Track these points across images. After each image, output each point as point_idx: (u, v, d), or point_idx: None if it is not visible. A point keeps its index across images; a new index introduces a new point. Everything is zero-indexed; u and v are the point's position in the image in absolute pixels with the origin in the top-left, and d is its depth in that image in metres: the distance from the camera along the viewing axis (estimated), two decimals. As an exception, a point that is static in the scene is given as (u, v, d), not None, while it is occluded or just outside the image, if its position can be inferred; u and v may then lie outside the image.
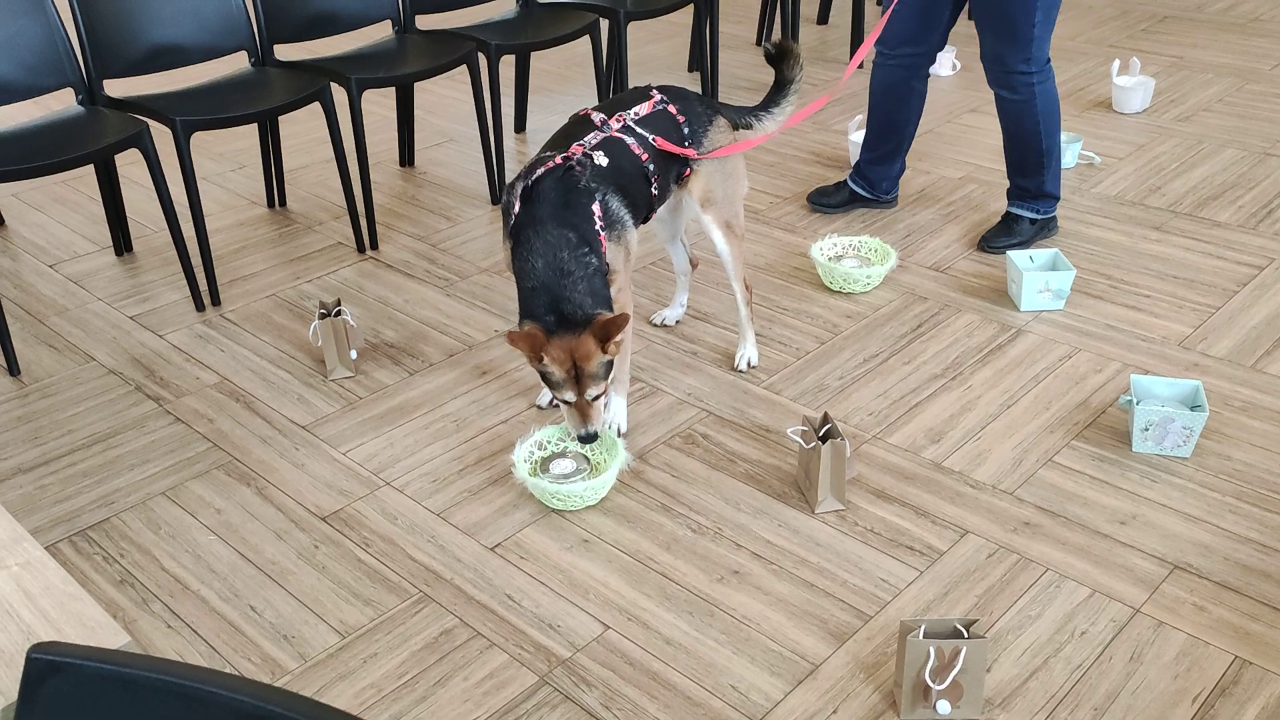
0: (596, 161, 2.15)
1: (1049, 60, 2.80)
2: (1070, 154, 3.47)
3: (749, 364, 2.53)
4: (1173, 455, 2.18)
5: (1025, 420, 2.32)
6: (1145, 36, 4.67)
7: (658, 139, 2.26)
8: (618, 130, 2.23)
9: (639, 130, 2.25)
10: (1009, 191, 3.02)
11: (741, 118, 2.49)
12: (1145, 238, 3.03)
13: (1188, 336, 2.58)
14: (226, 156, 3.70)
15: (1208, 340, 2.56)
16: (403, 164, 3.67)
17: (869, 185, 3.23)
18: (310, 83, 2.91)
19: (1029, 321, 2.67)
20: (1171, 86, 4.09)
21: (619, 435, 2.30)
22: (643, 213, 2.29)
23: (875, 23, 5.08)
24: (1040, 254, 2.75)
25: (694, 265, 2.71)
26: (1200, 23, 4.81)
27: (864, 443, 2.28)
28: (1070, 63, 4.38)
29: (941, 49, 3.03)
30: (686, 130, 2.33)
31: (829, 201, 3.25)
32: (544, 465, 2.17)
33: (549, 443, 2.21)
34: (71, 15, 2.69)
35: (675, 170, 2.35)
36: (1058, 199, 2.99)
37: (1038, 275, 2.68)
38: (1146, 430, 2.17)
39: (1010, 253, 2.76)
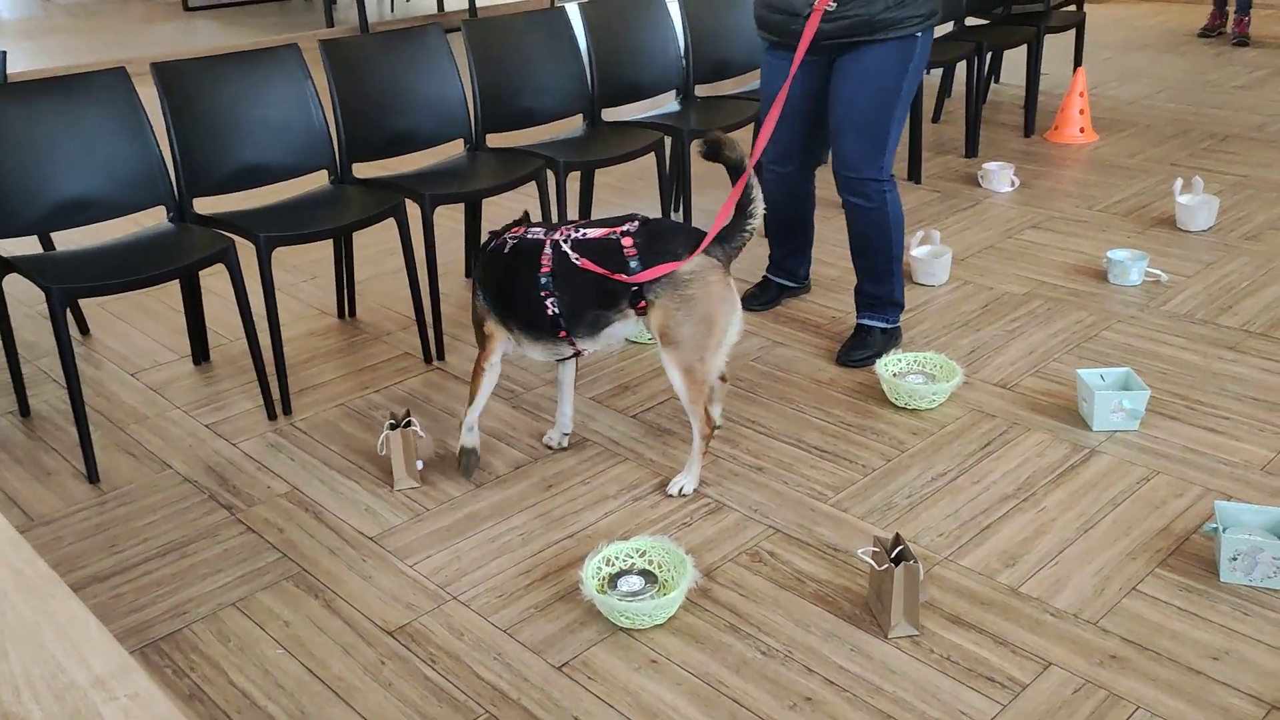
0: (490, 251, 2.46)
1: (893, 173, 2.98)
2: (1136, 271, 3.45)
3: (680, 491, 2.48)
4: (1263, 586, 2.10)
5: (1104, 545, 2.26)
6: (1206, 155, 4.68)
7: (583, 260, 2.32)
8: (550, 239, 2.38)
9: (564, 247, 2.35)
10: (858, 303, 3.12)
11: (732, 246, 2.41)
12: (1220, 357, 2.98)
13: (1271, 461, 2.51)
14: (299, 268, 3.82)
15: (1291, 464, 2.49)
16: (468, 275, 3.75)
17: (789, 275, 3.45)
18: (387, 199, 3.01)
19: (1102, 442, 2.62)
20: (1237, 205, 4.08)
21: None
22: (535, 321, 2.41)
23: (931, 136, 5.16)
24: (1112, 372, 2.72)
25: (724, 379, 2.63)
26: (1263, 142, 4.82)
27: (935, 564, 2.23)
28: (1131, 180, 4.40)
29: (822, 157, 3.23)
30: (634, 261, 2.32)
31: (760, 301, 3.41)
32: (611, 581, 2.15)
33: (616, 559, 2.19)
34: (167, 138, 2.82)
35: (608, 297, 2.35)
36: (903, 308, 3.12)
37: (1110, 394, 2.64)
38: (1235, 560, 2.10)
39: (1080, 371, 2.73)
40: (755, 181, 2.40)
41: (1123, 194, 4.25)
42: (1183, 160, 4.62)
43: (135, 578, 2.24)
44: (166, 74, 2.83)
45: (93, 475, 2.57)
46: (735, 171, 2.41)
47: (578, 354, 2.54)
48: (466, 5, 8.42)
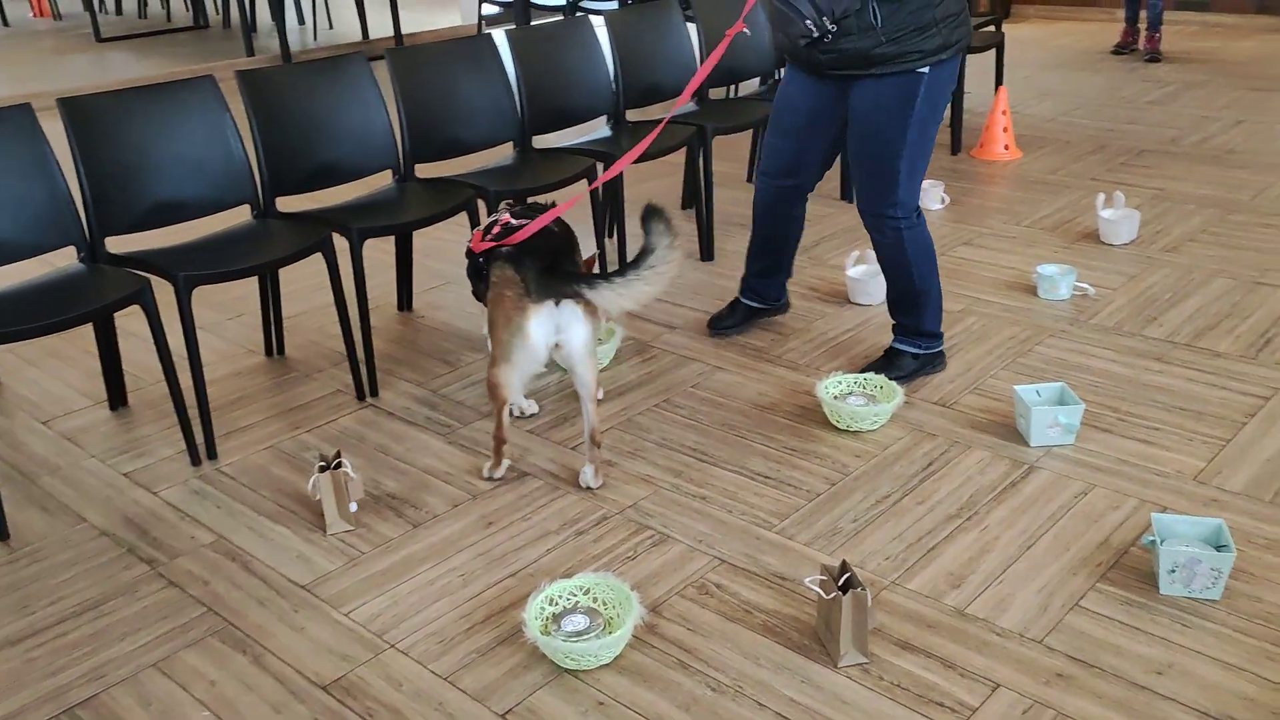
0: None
1: (918, 211, 2.88)
2: (1064, 286, 3.50)
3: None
4: (1202, 598, 2.12)
5: (1047, 562, 2.26)
6: (1124, 170, 4.79)
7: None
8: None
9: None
10: (893, 326, 3.07)
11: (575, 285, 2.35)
12: (1148, 369, 3.03)
13: (1202, 470, 2.55)
14: (224, 305, 3.70)
15: (1223, 474, 2.53)
16: (401, 309, 3.67)
17: (760, 297, 3.37)
18: (312, 233, 2.93)
19: (1040, 457, 2.63)
20: (1156, 218, 4.17)
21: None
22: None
23: None
24: (1047, 388, 2.74)
25: (596, 443, 2.58)
26: (1177, 155, 4.95)
27: (883, 589, 2.21)
28: (1055, 196, 4.48)
29: (817, 182, 3.17)
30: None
31: (728, 324, 3.36)
32: (555, 621, 2.09)
33: (560, 598, 2.14)
34: (76, 175, 2.71)
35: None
36: (939, 336, 3.04)
37: (1046, 410, 2.66)
38: (1173, 572, 2.12)
39: (1017, 388, 2.74)
40: (662, 256, 2.30)
41: (1048, 209, 4.32)
42: (1102, 175, 4.72)
43: (49, 640, 2.12)
44: (74, 109, 2.72)
45: (2, 532, 2.44)
46: (640, 255, 2.35)
47: None
48: (391, 33, 8.34)
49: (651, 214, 2.34)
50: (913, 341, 3.02)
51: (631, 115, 4.07)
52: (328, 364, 3.27)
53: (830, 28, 2.66)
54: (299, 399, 3.07)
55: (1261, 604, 2.10)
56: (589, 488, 2.58)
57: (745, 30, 2.86)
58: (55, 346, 3.37)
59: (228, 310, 3.67)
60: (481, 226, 2.60)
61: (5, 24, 10.28)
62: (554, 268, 2.37)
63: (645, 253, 2.32)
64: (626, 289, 2.30)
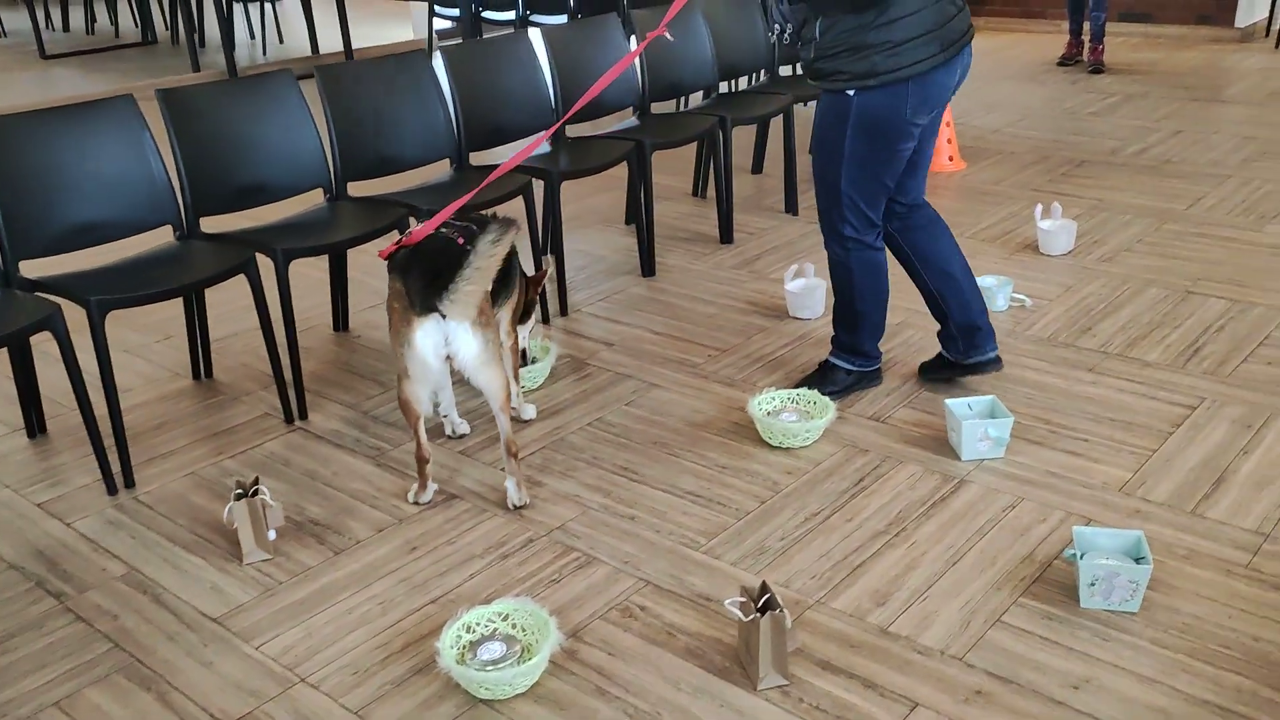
0: None
1: (876, 234, 2.80)
2: (1002, 297, 3.51)
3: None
4: (1121, 610, 2.11)
5: (971, 577, 2.25)
6: (1065, 180, 4.83)
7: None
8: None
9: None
10: (831, 339, 3.04)
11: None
12: (1080, 380, 3.04)
13: (1127, 481, 2.55)
14: (152, 327, 3.63)
15: (1147, 485, 2.53)
16: (337, 329, 3.62)
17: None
18: (235, 255, 2.88)
19: (971, 471, 2.63)
20: (1093, 228, 4.20)
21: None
22: None
23: (807, 171, 5.14)
24: (978, 401, 2.73)
25: (513, 455, 2.55)
26: (1116, 166, 5.00)
27: (807, 609, 2.19)
28: (997, 207, 4.50)
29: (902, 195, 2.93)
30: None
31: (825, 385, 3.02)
32: (472, 649, 2.05)
33: (478, 625, 2.10)
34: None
35: None
36: (876, 355, 3.00)
37: (976, 423, 2.65)
38: (1093, 585, 2.11)
39: (948, 402, 2.73)
40: (482, 251, 2.25)
41: (990, 220, 4.34)
42: (1043, 186, 4.76)
43: (-54, 680, 2.05)
44: (-15, 131, 2.66)
45: (-93, 567, 2.37)
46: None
47: None
48: (341, 48, 8.27)
49: (489, 221, 2.37)
50: (848, 358, 2.99)
51: (572, 131, 4.05)
52: (257, 387, 3.21)
53: (786, 36, 2.69)
54: (225, 423, 3.01)
55: (1178, 615, 2.10)
56: (515, 506, 2.55)
57: (668, 36, 2.84)
58: (-26, 372, 3.29)
59: (156, 332, 3.60)
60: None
61: (-51, 41, 10.10)
62: (438, 279, 2.30)
63: (473, 253, 2.28)
64: (458, 291, 2.26)
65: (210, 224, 3.08)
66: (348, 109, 3.37)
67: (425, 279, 2.30)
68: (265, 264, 2.90)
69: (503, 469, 2.70)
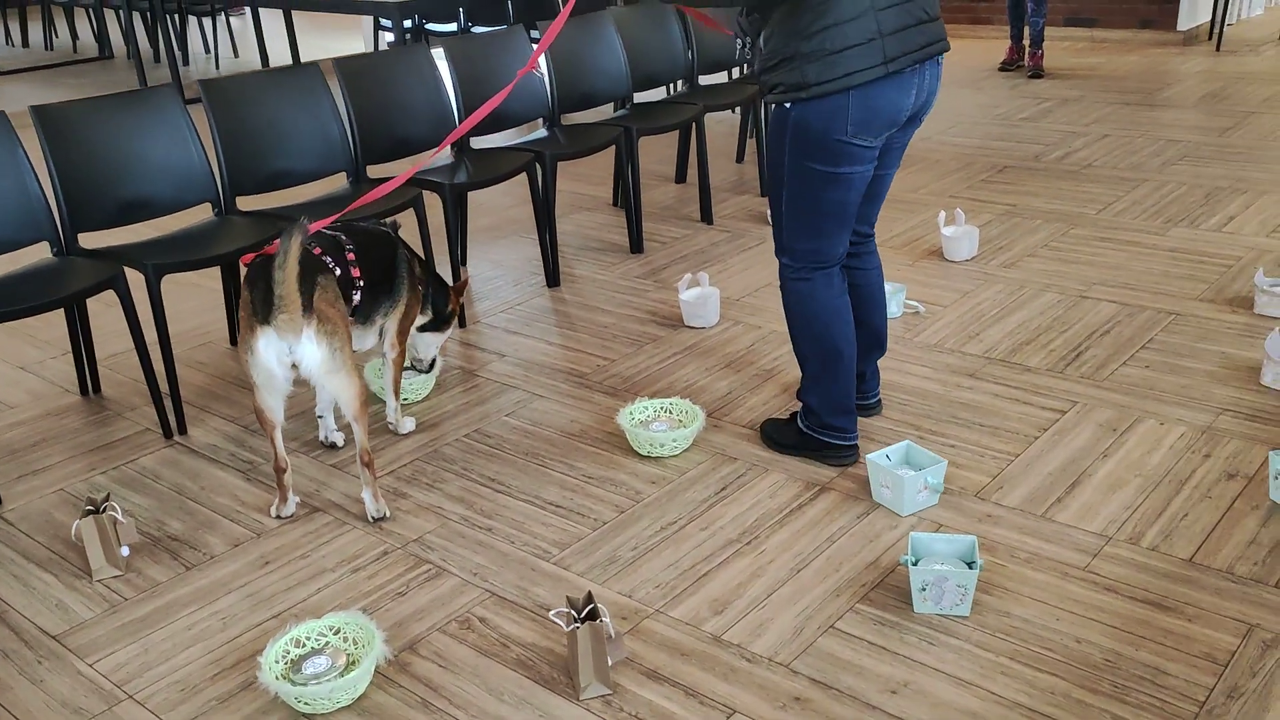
0: None
1: (816, 266, 2.52)
2: (895, 304, 3.52)
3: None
4: (952, 615, 2.12)
5: (813, 584, 2.26)
6: (984, 186, 4.85)
7: None
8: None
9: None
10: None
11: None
12: (958, 385, 3.05)
13: (984, 486, 2.56)
14: (51, 343, 3.63)
15: (1003, 490, 2.54)
16: (234, 343, 3.62)
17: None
18: (106, 270, 2.88)
19: (833, 479, 2.64)
20: (1002, 234, 4.22)
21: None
22: None
23: (723, 179, 5.15)
24: (894, 450, 2.54)
25: (366, 465, 2.55)
26: (1036, 171, 5.02)
27: (645, 618, 2.19)
28: (910, 214, 4.52)
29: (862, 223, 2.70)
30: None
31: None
32: (299, 664, 2.05)
33: (308, 639, 2.10)
34: None
35: None
36: (827, 427, 2.65)
37: (916, 476, 2.43)
38: (924, 590, 2.12)
39: (870, 457, 2.50)
40: (287, 248, 2.22)
41: (900, 228, 4.36)
42: (961, 193, 4.78)
43: None
44: None
45: None
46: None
47: None
48: (291, 61, 8.28)
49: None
50: (802, 413, 2.70)
51: (476, 143, 4.07)
52: (142, 402, 3.20)
53: (748, 49, 2.47)
54: (104, 439, 3.01)
55: (1008, 618, 2.11)
56: (373, 519, 2.55)
57: (537, 71, 2.84)
58: None
59: (52, 349, 3.59)
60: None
61: (-97, 59, 10.09)
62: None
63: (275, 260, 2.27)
64: (277, 301, 2.27)
65: (93, 240, 3.09)
66: (236, 123, 3.37)
67: (268, 289, 2.30)
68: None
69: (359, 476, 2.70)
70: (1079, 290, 3.64)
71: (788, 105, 2.37)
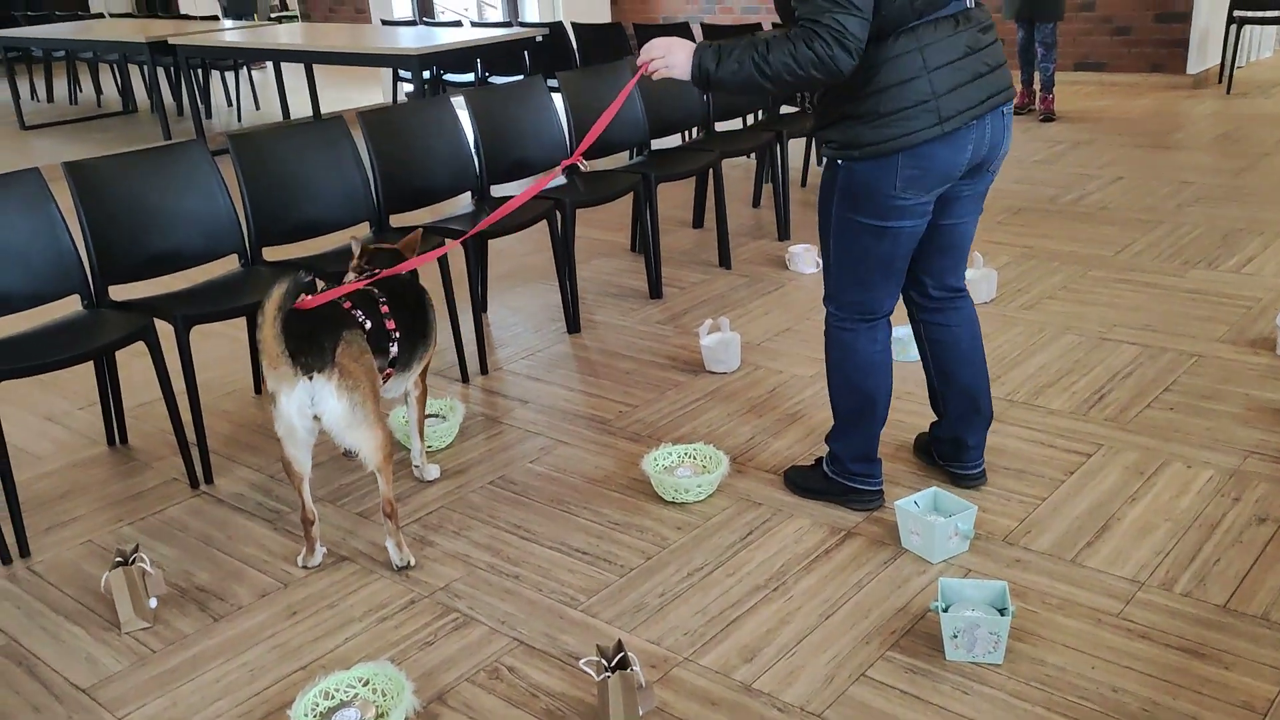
0: None
1: (861, 318, 2.52)
2: (914, 348, 3.50)
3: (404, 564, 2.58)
4: (985, 662, 2.10)
5: (842, 631, 2.25)
6: (1000, 229, 4.87)
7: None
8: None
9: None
10: None
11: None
12: (981, 429, 3.04)
13: (1012, 531, 2.55)
14: (79, 394, 3.66)
15: (1031, 534, 2.53)
16: (258, 391, 3.64)
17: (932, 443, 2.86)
18: (136, 321, 2.91)
19: (860, 523, 2.63)
20: (1020, 276, 4.23)
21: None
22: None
23: (797, 202, 5.19)
24: (922, 496, 2.53)
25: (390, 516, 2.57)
26: (1052, 214, 5.04)
27: (674, 666, 2.18)
28: (926, 257, 4.53)
29: (919, 284, 2.65)
30: None
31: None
32: (327, 717, 2.04)
33: (337, 690, 2.09)
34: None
35: None
36: (853, 474, 2.65)
37: (946, 523, 2.41)
38: (956, 637, 2.11)
39: (898, 504, 2.50)
40: (268, 297, 2.25)
41: (918, 270, 4.37)
42: (978, 235, 4.78)
43: None
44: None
45: None
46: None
47: None
48: (312, 112, 8.42)
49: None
50: (829, 456, 2.71)
51: (497, 190, 4.11)
52: (169, 452, 3.22)
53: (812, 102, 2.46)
54: (131, 490, 3.03)
55: (1042, 666, 2.09)
56: (398, 568, 2.55)
57: (582, 164, 2.91)
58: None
59: (80, 400, 3.63)
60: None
61: (-68, 114, 10.28)
62: (307, 341, 2.34)
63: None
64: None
65: (123, 292, 3.13)
66: (262, 175, 3.43)
67: (292, 341, 2.32)
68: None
69: (399, 528, 2.71)
70: (1099, 332, 3.64)
71: (840, 161, 2.38)
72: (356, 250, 2.85)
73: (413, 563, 2.57)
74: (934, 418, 2.79)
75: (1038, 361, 3.45)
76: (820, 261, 4.48)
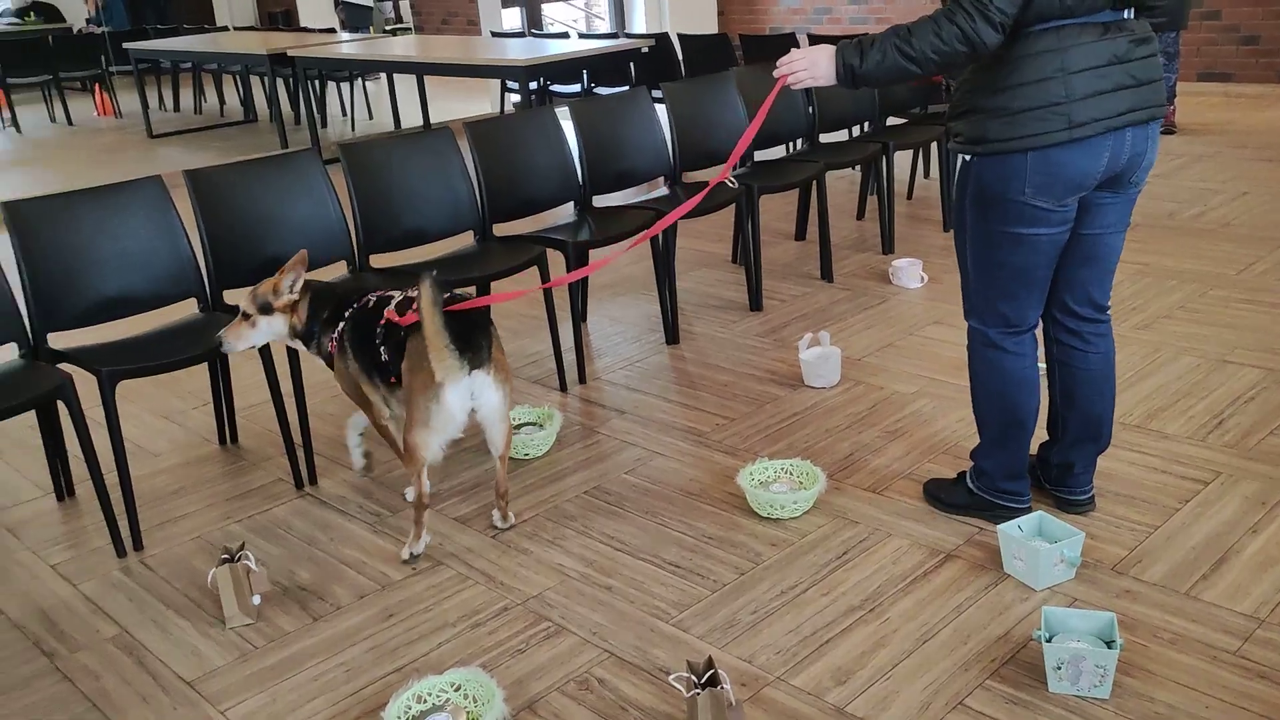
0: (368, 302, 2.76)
1: (1005, 332, 2.45)
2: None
3: (404, 556, 2.69)
4: (1090, 696, 2.02)
5: (940, 657, 2.18)
6: (1115, 243, 4.69)
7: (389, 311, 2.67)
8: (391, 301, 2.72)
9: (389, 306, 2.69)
10: None
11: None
12: (1091, 452, 2.93)
13: (1122, 559, 2.44)
14: (193, 394, 3.81)
15: (1143, 563, 2.42)
16: (363, 396, 3.73)
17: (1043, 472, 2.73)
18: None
19: (959, 545, 2.56)
20: (1134, 294, 4.07)
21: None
22: (376, 366, 2.71)
23: (902, 215, 5.12)
24: (1027, 521, 2.45)
25: (502, 498, 2.79)
26: (1170, 230, 4.84)
27: (765, 685, 2.15)
28: (1036, 272, 4.40)
29: (1060, 305, 2.52)
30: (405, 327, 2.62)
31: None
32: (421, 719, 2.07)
33: (429, 695, 2.12)
34: (18, 275, 2.85)
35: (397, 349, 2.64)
36: (999, 490, 2.58)
37: (1051, 549, 2.34)
38: (1059, 668, 2.03)
39: (1001, 528, 2.43)
40: (430, 299, 2.41)
41: (1027, 286, 4.24)
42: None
43: (-72, 735, 2.17)
44: (16, 213, 2.87)
45: (-78, 623, 2.52)
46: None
47: None
48: (422, 122, 8.62)
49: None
50: (973, 474, 2.65)
51: (599, 201, 4.14)
52: (276, 453, 3.32)
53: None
54: (240, 489, 3.13)
55: (1151, 704, 2.00)
56: (497, 528, 2.75)
57: (730, 182, 2.90)
58: (21, 436, 3.49)
59: (194, 399, 3.77)
60: (393, 304, 2.70)
61: (70, 123, 10.85)
62: (466, 339, 2.51)
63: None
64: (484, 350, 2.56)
65: (236, 297, 3.24)
66: (374, 184, 3.52)
67: (460, 340, 2.49)
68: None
69: (493, 537, 2.75)
70: (1219, 354, 3.48)
71: (967, 157, 2.33)
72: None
73: (514, 522, 2.80)
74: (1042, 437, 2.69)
75: (1153, 383, 3.31)
76: (925, 277, 4.41)
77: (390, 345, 2.67)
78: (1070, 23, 2.17)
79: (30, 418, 2.96)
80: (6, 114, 10.53)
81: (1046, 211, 2.29)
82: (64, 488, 3.11)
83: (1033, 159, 2.22)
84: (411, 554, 2.67)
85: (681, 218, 2.91)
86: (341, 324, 2.77)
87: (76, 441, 2.73)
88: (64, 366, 2.80)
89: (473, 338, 2.54)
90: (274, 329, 2.82)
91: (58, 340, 2.93)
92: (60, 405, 2.82)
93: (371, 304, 2.76)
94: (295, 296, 2.81)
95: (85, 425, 2.71)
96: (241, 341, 2.80)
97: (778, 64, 2.43)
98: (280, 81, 8.97)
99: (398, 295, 2.72)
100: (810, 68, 2.36)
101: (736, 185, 3.95)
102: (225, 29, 11.95)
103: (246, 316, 2.80)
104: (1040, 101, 2.18)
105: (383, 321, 2.67)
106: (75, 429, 2.71)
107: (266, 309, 2.80)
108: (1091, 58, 2.17)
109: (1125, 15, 2.22)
